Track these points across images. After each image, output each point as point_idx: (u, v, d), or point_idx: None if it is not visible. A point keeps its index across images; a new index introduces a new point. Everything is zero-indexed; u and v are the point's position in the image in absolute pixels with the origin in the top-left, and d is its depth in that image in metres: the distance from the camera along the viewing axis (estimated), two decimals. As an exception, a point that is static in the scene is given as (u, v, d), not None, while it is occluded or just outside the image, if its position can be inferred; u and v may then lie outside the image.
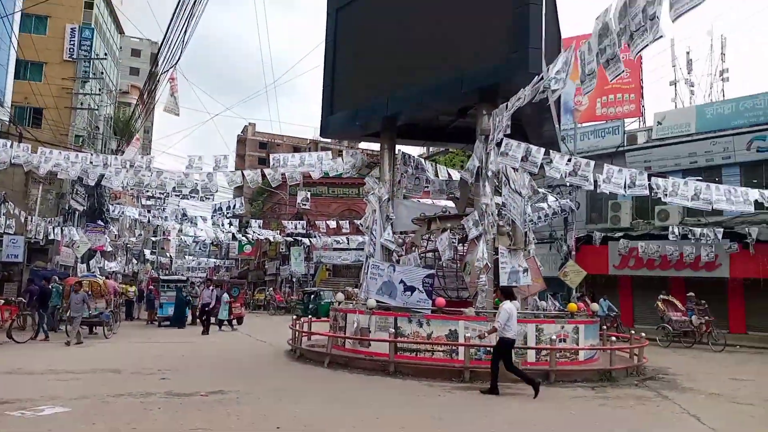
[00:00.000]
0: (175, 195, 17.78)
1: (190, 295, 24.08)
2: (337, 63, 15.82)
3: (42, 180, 28.29)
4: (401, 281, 12.92)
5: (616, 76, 7.77)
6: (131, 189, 20.15)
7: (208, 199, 19.00)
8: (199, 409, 7.82)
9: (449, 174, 17.91)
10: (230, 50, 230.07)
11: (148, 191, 18.38)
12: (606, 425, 7.48)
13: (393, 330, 11.32)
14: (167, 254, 61.20)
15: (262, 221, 33.22)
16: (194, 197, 18.24)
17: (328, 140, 63.38)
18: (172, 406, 7.92)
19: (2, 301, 15.46)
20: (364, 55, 15.22)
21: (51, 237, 25.08)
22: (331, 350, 12.13)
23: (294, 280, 40.65)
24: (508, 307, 9.28)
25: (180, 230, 29.76)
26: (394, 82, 13.91)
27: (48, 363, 11.72)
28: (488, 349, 10.75)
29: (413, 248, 15.37)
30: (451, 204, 16.92)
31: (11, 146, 16.39)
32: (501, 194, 13.22)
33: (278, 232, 34.39)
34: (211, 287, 21.49)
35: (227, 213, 21.14)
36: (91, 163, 16.69)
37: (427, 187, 17.03)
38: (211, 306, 20.54)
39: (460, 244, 14.24)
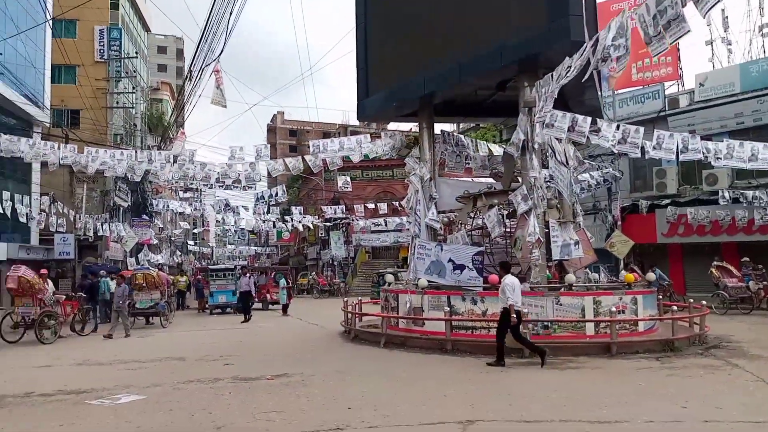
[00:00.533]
0: (219, 186, 18.03)
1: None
2: (369, 45, 15.72)
3: (86, 179, 29.10)
4: (450, 260, 12.89)
5: (678, 38, 7.45)
6: (176, 182, 20.53)
7: (251, 188, 19.24)
8: (268, 392, 7.99)
9: (489, 149, 17.74)
10: (253, 40, 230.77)
11: (192, 183, 18.76)
12: (679, 396, 7.35)
13: (448, 308, 11.33)
14: (209, 244, 62.46)
15: (302, 208, 33.54)
16: (237, 187, 18.50)
17: (357, 124, 63.54)
18: (241, 391, 8.12)
19: (64, 297, 16.00)
20: (397, 34, 15.08)
21: (99, 233, 25.83)
22: (386, 330, 12.24)
23: (335, 263, 41.06)
24: (510, 281, 9.61)
25: (222, 220, 30.33)
26: (429, 59, 13.74)
27: (114, 353, 12.14)
28: (546, 323, 10.74)
29: (461, 226, 15.31)
30: (491, 180, 16.76)
31: (59, 148, 16.86)
32: (547, 167, 13.03)
33: (316, 217, 34.72)
34: (248, 275, 21.77)
35: (270, 201, 21.37)
36: (136, 159, 17.08)
37: (469, 163, 16.88)
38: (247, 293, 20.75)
39: (508, 220, 14.12)
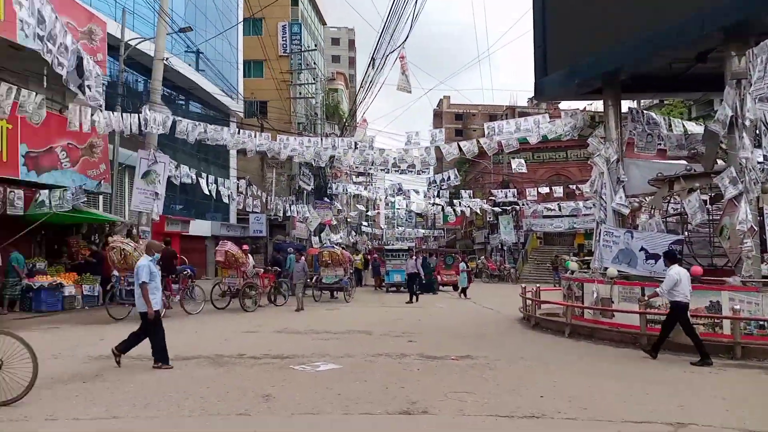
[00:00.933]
0: (395, 170, 18.65)
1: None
2: (547, 21, 14.99)
3: (275, 164, 31.92)
4: (642, 249, 11.96)
5: None
6: (357, 167, 21.73)
7: (424, 172, 19.65)
8: (455, 372, 8.09)
9: (684, 127, 16.10)
10: (424, 27, 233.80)
11: (370, 168, 19.68)
12: None
13: (643, 301, 10.54)
14: (380, 226, 65.25)
15: (472, 191, 33.47)
16: (411, 171, 19.00)
17: (525, 105, 61.63)
18: (429, 368, 8.32)
19: (262, 270, 17.78)
20: (578, 7, 14.19)
21: (287, 214, 28.25)
22: (570, 320, 11.76)
23: (504, 248, 40.46)
24: (675, 271, 9.11)
25: (393, 203, 31.47)
26: (615, 32, 12.73)
27: (306, 324, 13.19)
28: (761, 323, 9.51)
29: (654, 211, 14.13)
30: (684, 162, 15.18)
31: (255, 136, 18.62)
32: (760, 146, 11.45)
33: (485, 200, 34.42)
34: (414, 257, 22.16)
35: (442, 185, 21.61)
36: (321, 146, 18.29)
37: (661, 143, 15.46)
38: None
39: (710, 206, 12.72)
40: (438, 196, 29.79)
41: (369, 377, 7.68)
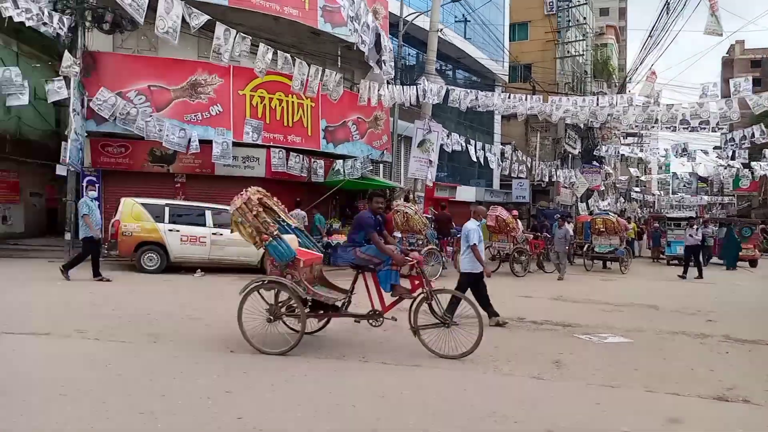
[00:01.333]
0: (683, 128, 16.54)
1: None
2: None
3: (539, 128, 31.16)
4: None
5: None
6: (636, 126, 19.93)
7: (721, 129, 17.09)
8: (782, 361, 6.96)
9: None
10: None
11: (653, 127, 17.76)
12: None
13: None
14: (652, 192, 59.25)
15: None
16: (704, 128, 16.67)
17: None
18: (740, 352, 7.33)
19: (532, 236, 17.66)
20: None
21: (552, 179, 27.44)
22: None
23: (826, 219, 33.29)
24: None
25: (668, 165, 28.17)
26: None
27: (583, 293, 12.70)
28: None
29: None
30: None
31: (526, 99, 18.32)
32: None
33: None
34: (695, 226, 19.27)
35: (742, 143, 18.53)
36: (598, 105, 17.17)
37: None
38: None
39: None
40: (733, 158, 25.58)
41: (668, 355, 7.06)
